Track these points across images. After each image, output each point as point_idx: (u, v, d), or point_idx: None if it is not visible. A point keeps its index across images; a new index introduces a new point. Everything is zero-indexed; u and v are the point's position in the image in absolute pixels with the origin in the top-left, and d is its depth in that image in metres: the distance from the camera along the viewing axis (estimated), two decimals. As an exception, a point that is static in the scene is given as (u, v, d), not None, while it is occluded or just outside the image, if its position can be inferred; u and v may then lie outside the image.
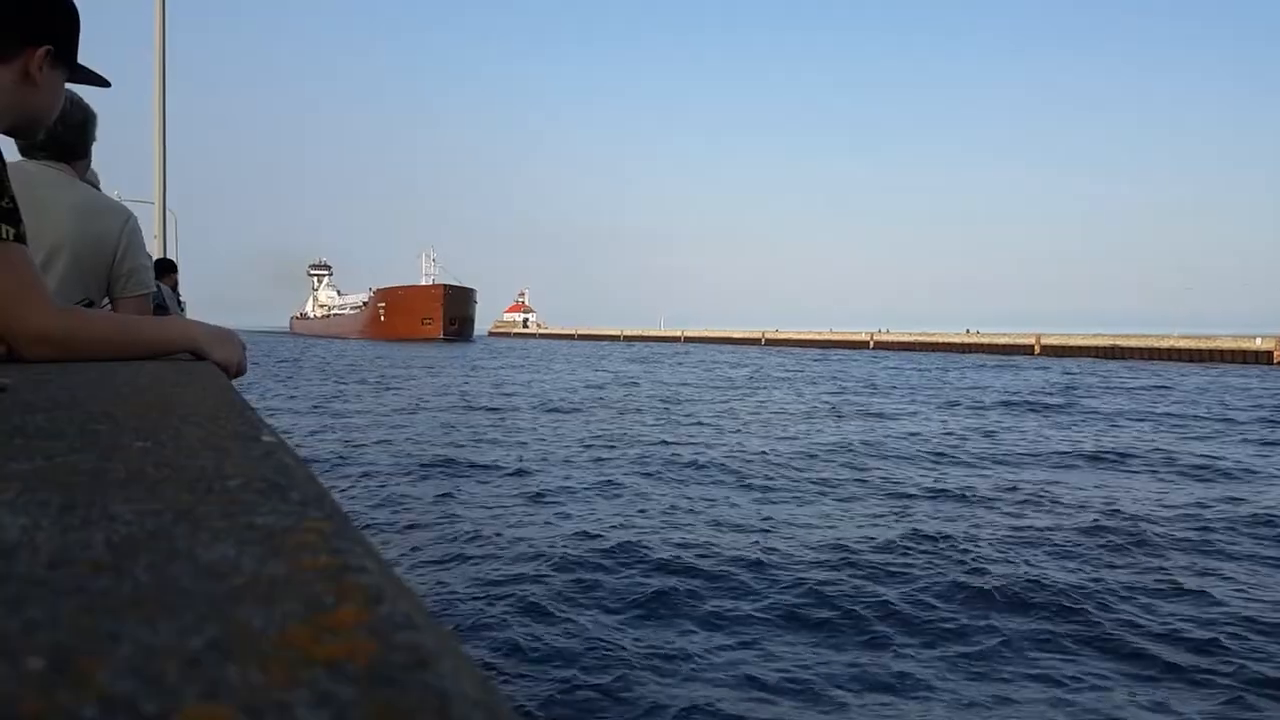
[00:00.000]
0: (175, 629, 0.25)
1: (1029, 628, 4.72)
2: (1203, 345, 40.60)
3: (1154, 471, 9.80)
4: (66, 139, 2.35)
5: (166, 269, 6.59)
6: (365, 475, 9.11)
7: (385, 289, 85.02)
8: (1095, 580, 5.53)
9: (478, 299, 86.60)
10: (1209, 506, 7.82)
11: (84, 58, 1.52)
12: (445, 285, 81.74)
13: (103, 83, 1.68)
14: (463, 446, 11.18)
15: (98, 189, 2.72)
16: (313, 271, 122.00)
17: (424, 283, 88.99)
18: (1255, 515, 7.34)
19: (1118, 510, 7.53)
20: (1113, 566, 5.88)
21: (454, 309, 79.79)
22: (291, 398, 18.20)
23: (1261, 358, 37.62)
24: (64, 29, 1.44)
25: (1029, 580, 5.43)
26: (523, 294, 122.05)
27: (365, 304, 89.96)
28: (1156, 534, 6.72)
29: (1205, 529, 6.94)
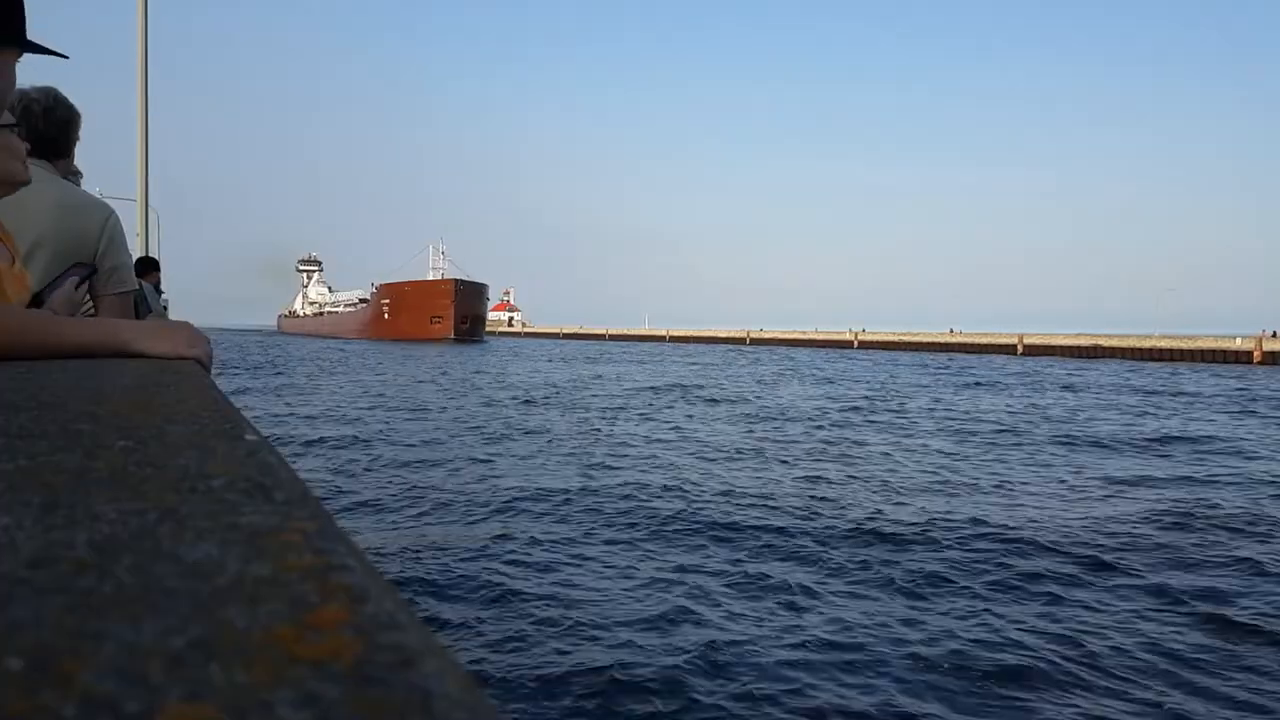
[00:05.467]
0: (158, 629, 0.25)
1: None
2: (1184, 345, 40.98)
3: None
4: (50, 136, 2.33)
5: (148, 267, 6.53)
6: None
7: (390, 284, 77.43)
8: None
9: (489, 295, 79.71)
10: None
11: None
12: (456, 280, 74.17)
13: (59, 55, 1.62)
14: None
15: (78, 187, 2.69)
16: (302, 267, 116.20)
17: (432, 277, 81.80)
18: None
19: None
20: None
21: (465, 306, 72.38)
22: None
23: (1242, 357, 38.08)
24: (4, 6, 1.35)
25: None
26: (508, 293, 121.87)
27: (366, 300, 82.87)
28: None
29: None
